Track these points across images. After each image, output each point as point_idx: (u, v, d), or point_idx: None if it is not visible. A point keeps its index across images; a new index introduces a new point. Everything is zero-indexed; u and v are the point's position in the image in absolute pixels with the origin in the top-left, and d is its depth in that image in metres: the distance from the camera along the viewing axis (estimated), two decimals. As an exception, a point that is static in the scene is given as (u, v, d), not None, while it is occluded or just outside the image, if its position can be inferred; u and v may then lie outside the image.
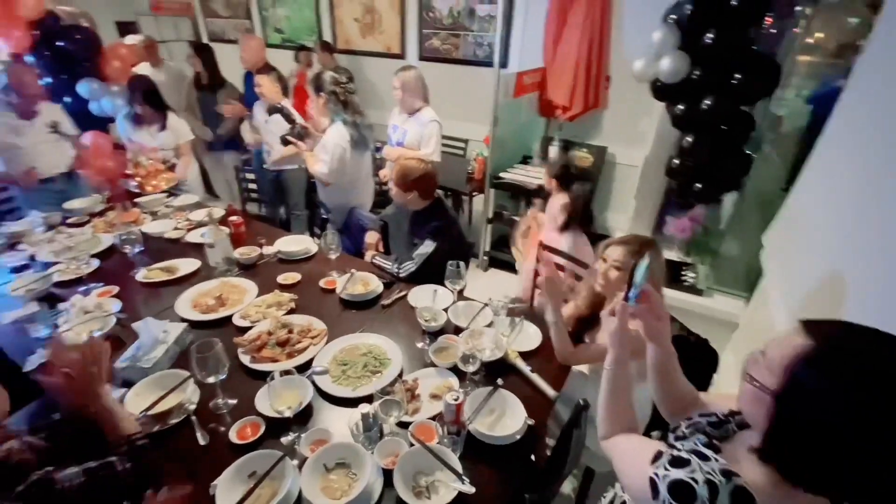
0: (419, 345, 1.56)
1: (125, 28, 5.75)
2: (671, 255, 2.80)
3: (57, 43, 2.75)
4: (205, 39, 5.76)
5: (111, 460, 0.99)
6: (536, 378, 1.39)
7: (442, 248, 1.91)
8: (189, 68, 3.65)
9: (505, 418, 1.26)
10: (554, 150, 3.51)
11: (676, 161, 2.49)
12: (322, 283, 1.87)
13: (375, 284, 1.84)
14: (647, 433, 1.44)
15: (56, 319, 1.54)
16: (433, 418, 1.23)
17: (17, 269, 1.88)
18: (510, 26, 3.64)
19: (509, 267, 3.44)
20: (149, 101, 2.71)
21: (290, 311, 1.68)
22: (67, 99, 2.96)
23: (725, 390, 1.39)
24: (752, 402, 0.68)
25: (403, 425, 1.21)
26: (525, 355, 1.49)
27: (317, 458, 1.08)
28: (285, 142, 2.58)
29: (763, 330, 1.90)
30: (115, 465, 0.98)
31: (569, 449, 1.24)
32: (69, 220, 2.31)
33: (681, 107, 2.36)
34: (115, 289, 1.77)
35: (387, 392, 1.18)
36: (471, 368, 1.31)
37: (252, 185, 3.56)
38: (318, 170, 2.40)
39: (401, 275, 1.94)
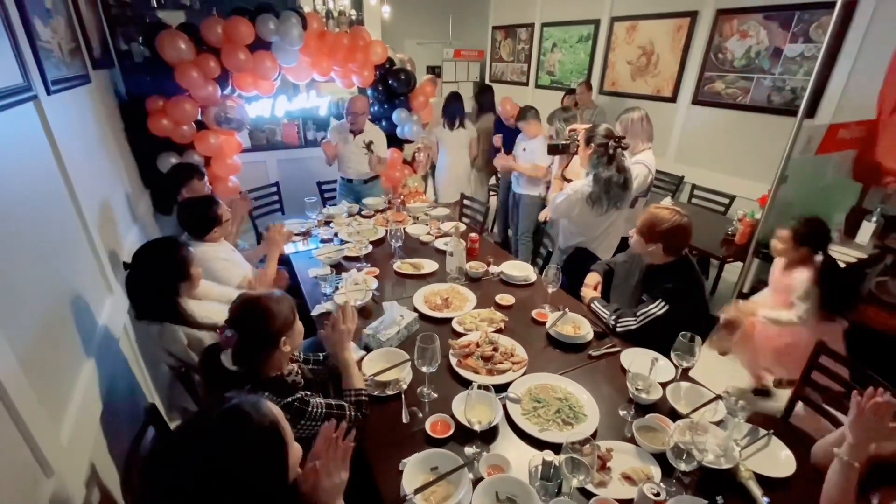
0: (622, 412, 1.39)
1: (431, 70, 7.29)
2: None
3: (389, 81, 3.67)
4: (487, 80, 6.73)
5: (344, 404, 1.23)
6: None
7: (675, 314, 1.66)
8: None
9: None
10: (869, 227, 2.63)
11: None
12: (534, 313, 1.89)
13: (586, 330, 1.75)
14: None
15: (338, 283, 2.03)
16: (621, 502, 1.07)
17: (324, 241, 2.57)
18: (831, 69, 2.95)
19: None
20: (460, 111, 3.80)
21: (499, 331, 1.76)
22: (384, 123, 3.91)
23: None
24: None
25: (584, 493, 1.10)
26: (764, 480, 1.15)
27: (491, 483, 1.09)
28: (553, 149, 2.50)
29: None
30: (347, 408, 1.22)
31: None
32: (363, 212, 3.04)
33: None
34: (377, 270, 2.22)
35: (575, 449, 1.09)
36: (683, 467, 1.09)
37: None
38: (551, 201, 2.44)
39: (617, 329, 1.78)
